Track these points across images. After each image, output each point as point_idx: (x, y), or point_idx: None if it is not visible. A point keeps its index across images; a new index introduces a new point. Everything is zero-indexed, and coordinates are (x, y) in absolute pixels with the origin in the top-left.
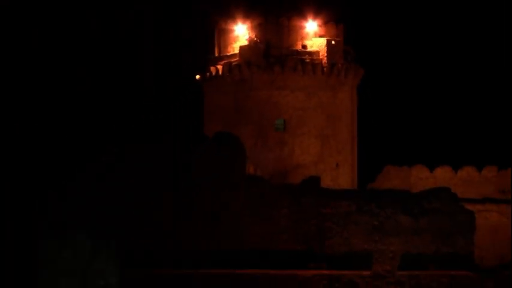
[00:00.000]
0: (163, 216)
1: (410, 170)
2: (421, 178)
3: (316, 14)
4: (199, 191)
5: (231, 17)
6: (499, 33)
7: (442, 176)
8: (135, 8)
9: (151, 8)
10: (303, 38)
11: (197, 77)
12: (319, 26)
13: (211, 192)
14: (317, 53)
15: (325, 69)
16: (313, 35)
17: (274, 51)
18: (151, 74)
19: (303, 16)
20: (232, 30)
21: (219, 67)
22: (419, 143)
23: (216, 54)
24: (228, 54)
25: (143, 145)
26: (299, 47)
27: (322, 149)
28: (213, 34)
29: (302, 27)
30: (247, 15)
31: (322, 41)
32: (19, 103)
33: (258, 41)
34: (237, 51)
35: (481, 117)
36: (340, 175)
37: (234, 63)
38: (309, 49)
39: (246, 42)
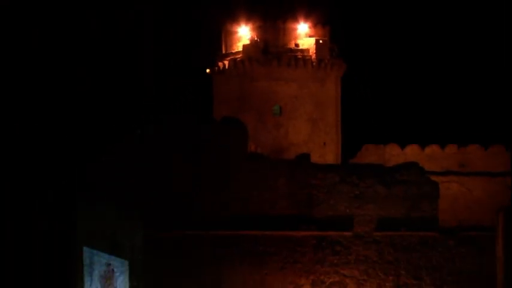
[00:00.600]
0: (179, 186)
1: (384, 148)
2: (393, 155)
3: (307, 18)
4: (210, 165)
5: (235, 20)
6: (467, 25)
7: (411, 152)
8: (153, 15)
9: (169, 11)
10: (295, 38)
11: (207, 70)
12: (309, 27)
13: (219, 166)
14: (307, 50)
15: (314, 63)
16: (304, 35)
17: (272, 49)
18: (170, 69)
19: (295, 19)
20: (236, 32)
21: (226, 62)
22: (393, 125)
23: (223, 52)
24: (233, 51)
25: (162, 126)
26: (292, 45)
27: (311, 130)
28: (220, 35)
29: (295, 29)
30: (249, 19)
31: (312, 41)
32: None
33: (258, 40)
34: (240, 49)
35: (442, 103)
36: (326, 152)
37: (238, 59)
38: (300, 47)
39: (248, 42)
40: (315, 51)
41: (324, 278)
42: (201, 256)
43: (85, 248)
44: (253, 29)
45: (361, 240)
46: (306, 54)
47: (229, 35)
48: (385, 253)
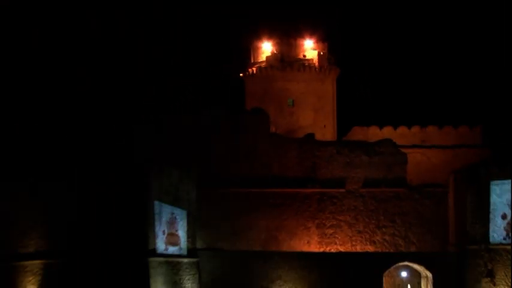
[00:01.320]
0: (223, 156)
1: (368, 128)
2: (374, 134)
3: (311, 36)
4: (244, 142)
5: (260, 39)
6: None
7: (387, 132)
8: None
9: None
10: (303, 51)
11: (241, 74)
12: (313, 43)
13: (251, 143)
14: (312, 59)
15: (316, 69)
16: (309, 49)
17: (286, 59)
18: (215, 73)
19: (303, 38)
20: (261, 47)
21: (254, 69)
22: (374, 112)
23: (252, 61)
24: (259, 61)
25: (212, 115)
26: (301, 56)
27: (315, 116)
28: (249, 49)
29: (303, 44)
30: (270, 38)
31: (315, 53)
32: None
33: (277, 53)
34: (264, 59)
35: (409, 95)
36: (326, 132)
37: (262, 66)
38: (307, 57)
39: (269, 54)
40: (317, 60)
41: (325, 222)
42: (238, 206)
43: (155, 202)
44: (273, 45)
45: (352, 195)
46: (310, 62)
47: (256, 49)
48: (368, 204)
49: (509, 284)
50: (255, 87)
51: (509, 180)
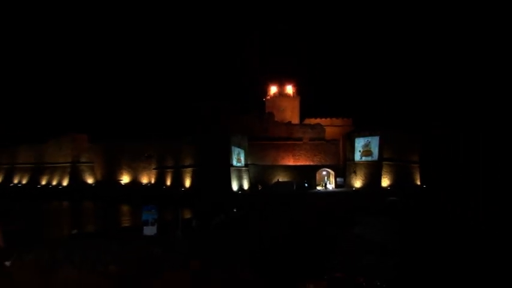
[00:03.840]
0: (256, 130)
1: (310, 119)
2: (314, 121)
3: (290, 84)
4: (265, 124)
5: (270, 85)
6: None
7: (319, 120)
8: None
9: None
10: (287, 90)
11: (264, 99)
12: (291, 87)
13: (266, 124)
14: (290, 93)
15: (292, 97)
16: (290, 89)
17: (281, 93)
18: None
19: (286, 84)
20: (271, 88)
21: (269, 97)
22: (314, 111)
23: (268, 94)
24: (271, 93)
25: (256, 113)
26: (286, 92)
27: (291, 114)
28: (267, 89)
29: (286, 87)
30: (275, 84)
31: (291, 90)
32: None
33: (277, 90)
34: (272, 93)
35: (329, 103)
36: (295, 120)
37: (272, 96)
38: (288, 92)
39: (275, 91)
40: (292, 93)
41: (295, 153)
42: (262, 148)
43: (232, 146)
44: (276, 87)
45: (306, 144)
46: (289, 94)
47: (269, 89)
48: (312, 147)
49: (361, 174)
50: (269, 104)
51: (362, 138)
